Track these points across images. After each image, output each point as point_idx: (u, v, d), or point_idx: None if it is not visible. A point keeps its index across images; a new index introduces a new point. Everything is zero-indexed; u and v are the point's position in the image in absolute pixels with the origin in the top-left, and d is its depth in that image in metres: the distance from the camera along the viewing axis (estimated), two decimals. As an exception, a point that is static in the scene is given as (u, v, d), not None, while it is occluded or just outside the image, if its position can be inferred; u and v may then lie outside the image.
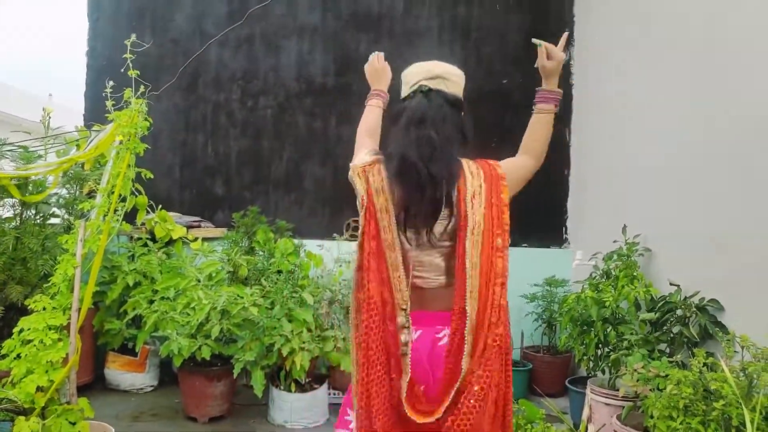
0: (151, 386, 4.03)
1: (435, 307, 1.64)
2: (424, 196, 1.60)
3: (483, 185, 1.69)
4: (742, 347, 1.98)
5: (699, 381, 1.94)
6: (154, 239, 4.14)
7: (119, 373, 3.95)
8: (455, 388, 1.50)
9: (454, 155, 1.69)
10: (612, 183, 3.96)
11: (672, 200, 3.15)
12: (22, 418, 2.15)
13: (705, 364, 1.98)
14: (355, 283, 1.63)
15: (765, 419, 1.89)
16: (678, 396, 1.92)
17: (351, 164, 1.74)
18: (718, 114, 2.80)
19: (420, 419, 1.50)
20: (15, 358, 2.30)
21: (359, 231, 1.63)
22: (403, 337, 1.56)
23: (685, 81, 3.12)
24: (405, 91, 1.77)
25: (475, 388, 1.50)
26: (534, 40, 1.80)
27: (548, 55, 1.76)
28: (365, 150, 1.80)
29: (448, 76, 1.75)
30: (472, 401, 1.49)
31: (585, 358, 3.26)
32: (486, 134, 4.83)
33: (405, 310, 1.57)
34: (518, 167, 1.84)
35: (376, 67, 2.01)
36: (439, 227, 1.63)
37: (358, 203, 1.67)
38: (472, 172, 1.71)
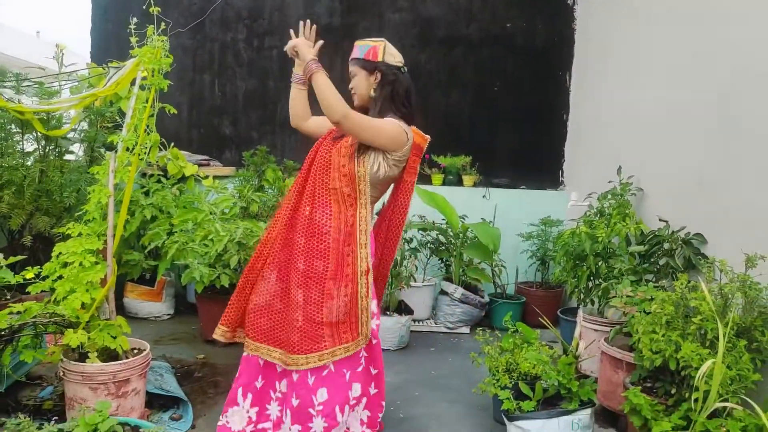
0: (168, 315, 4.28)
1: None
2: None
3: None
4: (721, 271, 2.21)
5: (680, 301, 2.17)
6: (166, 176, 4.28)
7: (138, 302, 4.19)
8: None
9: None
10: (608, 127, 4.13)
11: (664, 144, 3.33)
12: (70, 330, 2.37)
13: (687, 287, 2.21)
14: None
15: (736, 334, 2.15)
16: (661, 313, 2.16)
17: (406, 132, 2.35)
18: (706, 65, 2.96)
19: None
20: (56, 279, 2.49)
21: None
22: None
23: (680, 32, 3.24)
24: (392, 61, 2.40)
25: None
26: None
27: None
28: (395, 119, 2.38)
29: None
30: None
31: (576, 290, 3.51)
32: (488, 78, 4.95)
33: None
34: None
35: (307, 37, 2.43)
36: None
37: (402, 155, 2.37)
38: None
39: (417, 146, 2.41)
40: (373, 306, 2.42)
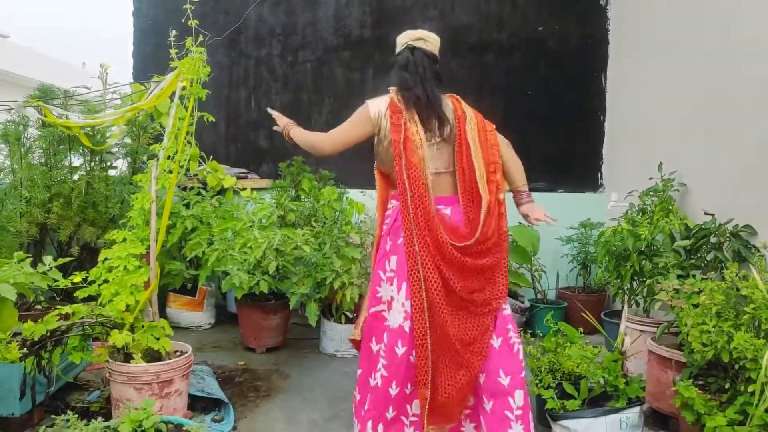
0: (209, 324, 4.34)
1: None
2: (423, 112, 2.33)
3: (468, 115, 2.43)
4: (774, 258, 2.11)
5: (731, 290, 2.08)
6: (205, 189, 4.38)
7: (180, 311, 4.27)
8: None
9: (434, 87, 2.38)
10: (647, 125, 4.04)
11: (706, 136, 3.24)
12: (116, 330, 2.43)
13: (737, 275, 2.12)
14: None
15: (793, 324, 2.04)
16: (710, 304, 2.07)
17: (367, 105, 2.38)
18: (747, 52, 2.87)
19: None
20: (102, 283, 2.57)
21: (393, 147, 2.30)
22: None
23: (719, 22, 3.16)
24: (397, 50, 2.47)
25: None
26: None
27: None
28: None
29: (426, 38, 2.45)
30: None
31: (620, 291, 3.41)
32: (520, 83, 4.92)
33: None
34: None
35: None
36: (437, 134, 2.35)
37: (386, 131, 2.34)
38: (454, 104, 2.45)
39: (391, 102, 2.36)
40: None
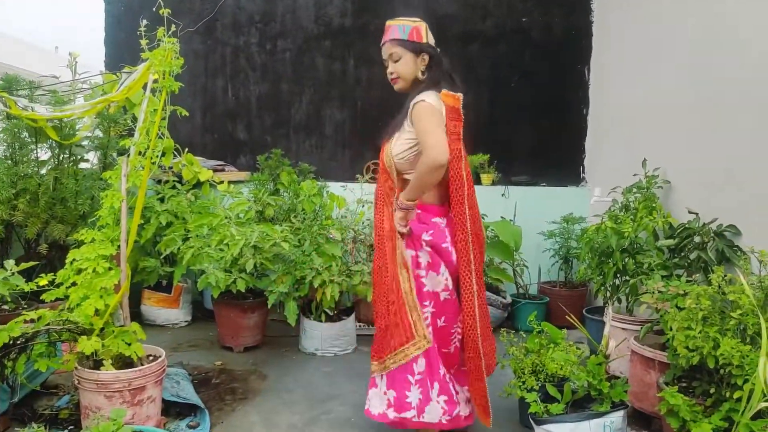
0: (186, 321, 4.24)
1: None
2: None
3: None
4: (760, 263, 2.09)
5: (717, 295, 2.05)
6: (181, 182, 4.25)
7: (155, 309, 4.15)
8: None
9: None
10: (631, 120, 4.00)
11: (691, 133, 3.20)
12: (84, 337, 2.32)
13: (723, 279, 2.09)
14: None
15: (779, 329, 2.01)
16: (697, 308, 2.04)
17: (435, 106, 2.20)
18: (732, 50, 2.83)
19: None
20: (70, 286, 2.45)
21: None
22: None
23: (704, 19, 3.11)
24: (429, 39, 2.30)
25: None
26: None
27: None
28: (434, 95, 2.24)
29: None
30: None
31: (603, 288, 3.39)
32: (504, 74, 4.85)
33: None
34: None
35: None
36: None
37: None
38: None
39: (451, 109, 2.20)
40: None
